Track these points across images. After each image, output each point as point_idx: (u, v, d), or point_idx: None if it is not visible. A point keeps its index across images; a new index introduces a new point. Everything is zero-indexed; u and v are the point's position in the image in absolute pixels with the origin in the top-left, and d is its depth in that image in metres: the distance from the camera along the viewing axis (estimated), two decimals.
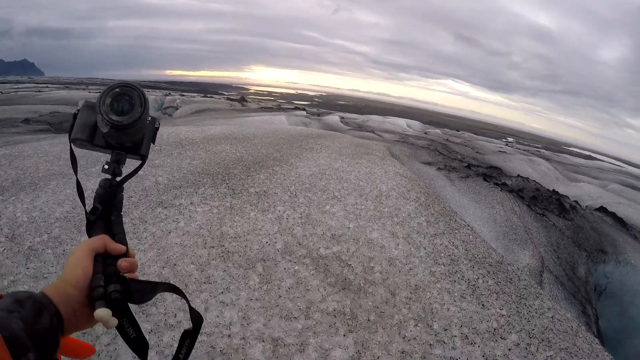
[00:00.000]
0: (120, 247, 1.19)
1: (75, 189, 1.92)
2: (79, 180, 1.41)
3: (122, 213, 1.34)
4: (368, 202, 7.75)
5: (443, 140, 36.65)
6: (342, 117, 45.11)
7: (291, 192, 7.73)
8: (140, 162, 1.36)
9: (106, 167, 1.29)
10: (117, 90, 1.19)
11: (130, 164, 1.34)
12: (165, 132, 12.31)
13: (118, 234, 1.26)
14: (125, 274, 1.15)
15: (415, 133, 41.24)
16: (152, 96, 42.87)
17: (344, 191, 8.18)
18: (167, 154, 9.60)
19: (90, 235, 1.23)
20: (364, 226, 6.68)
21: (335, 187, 8.39)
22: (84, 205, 1.27)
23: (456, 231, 7.30)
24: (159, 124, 1.42)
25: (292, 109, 51.63)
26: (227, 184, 7.86)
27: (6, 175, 7.37)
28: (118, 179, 1.32)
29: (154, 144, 1.39)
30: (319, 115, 46.07)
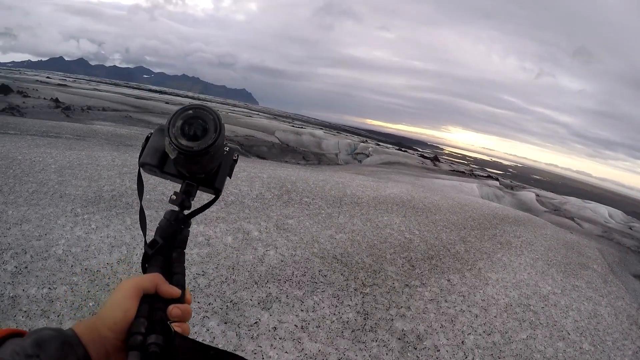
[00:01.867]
0: (174, 291, 0.95)
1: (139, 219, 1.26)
2: (143, 207, 1.19)
3: (185, 251, 1.09)
4: None
5: None
6: (538, 195, 39.35)
7: (465, 353, 4.14)
8: (214, 196, 1.18)
9: (174, 197, 1.09)
10: (190, 112, 0.99)
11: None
12: (333, 180, 9.86)
13: (177, 274, 1.01)
14: (175, 324, 0.92)
15: (618, 226, 33.94)
16: (347, 140, 41.83)
17: None
18: (314, 213, 6.89)
19: (145, 271, 1.01)
20: None
21: (545, 349, 4.60)
22: (145, 235, 1.11)
23: None
24: (238, 156, 1.20)
25: (485, 177, 47.10)
26: (362, 294, 4.62)
27: (118, 183, 6.35)
28: (186, 212, 1.12)
29: (230, 177, 1.18)
30: (512, 188, 40.94)
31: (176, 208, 1.10)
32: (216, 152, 1.02)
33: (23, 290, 3.71)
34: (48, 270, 3.92)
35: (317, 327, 3.88)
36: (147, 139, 1.12)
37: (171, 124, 0.97)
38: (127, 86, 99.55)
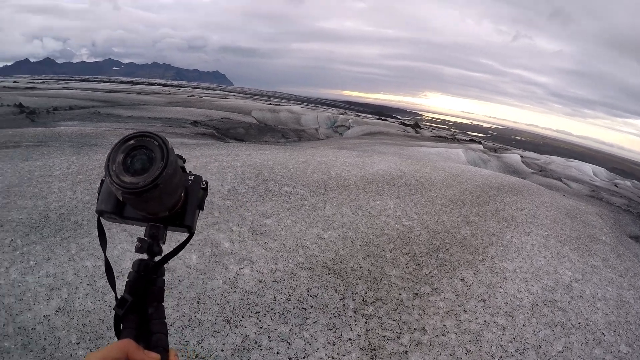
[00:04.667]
0: (150, 358, 0.82)
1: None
2: (108, 260, 1.05)
3: (163, 304, 0.98)
4: None
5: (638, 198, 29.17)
6: (522, 157, 39.17)
7: None
8: (188, 235, 1.02)
9: (139, 244, 0.95)
10: (132, 142, 0.86)
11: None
12: (315, 161, 8.90)
13: (156, 334, 0.91)
14: None
15: (604, 184, 33.94)
16: (326, 113, 40.79)
17: None
18: (296, 205, 5.97)
19: (118, 335, 0.90)
20: None
21: None
22: (115, 292, 0.99)
23: None
24: (207, 183, 1.04)
25: (467, 140, 46.78)
26: (364, 317, 3.72)
27: (69, 197, 5.30)
28: (157, 258, 0.98)
29: (201, 209, 1.02)
30: (496, 151, 40.61)
31: (145, 256, 0.96)
32: (168, 184, 0.84)
33: None
34: None
35: None
36: (102, 182, 0.96)
37: (111, 160, 0.84)
38: (96, 81, 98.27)
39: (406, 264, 4.82)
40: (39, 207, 5.11)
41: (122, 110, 27.20)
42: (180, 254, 3.84)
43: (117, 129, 15.66)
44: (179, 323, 3.35)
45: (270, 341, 3.29)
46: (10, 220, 4.71)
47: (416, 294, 4.24)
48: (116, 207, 0.94)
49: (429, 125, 79.44)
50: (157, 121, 23.38)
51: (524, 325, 4.08)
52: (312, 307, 3.74)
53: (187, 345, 3.12)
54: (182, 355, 3.02)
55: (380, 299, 4.03)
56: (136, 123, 21.25)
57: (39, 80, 77.43)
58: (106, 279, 1.01)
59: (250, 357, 3.10)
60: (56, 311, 3.36)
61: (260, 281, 4.00)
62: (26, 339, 3.09)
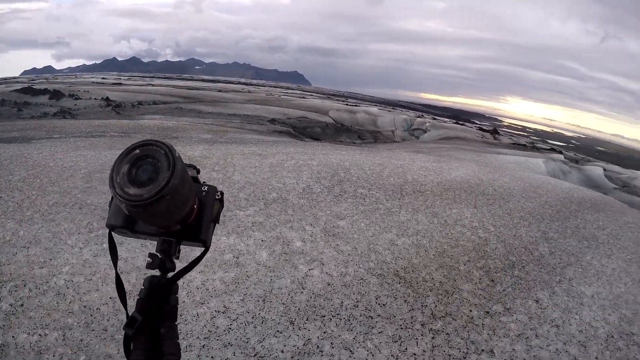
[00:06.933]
0: None
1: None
2: (120, 276, 1.00)
3: (177, 323, 0.94)
4: None
5: None
6: (605, 170, 36.55)
7: None
8: (203, 250, 0.98)
9: (150, 260, 0.92)
10: (137, 152, 0.83)
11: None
12: (391, 164, 8.84)
13: (169, 355, 0.87)
14: None
15: None
16: (403, 116, 40.40)
17: None
18: (371, 209, 5.89)
19: (128, 356, 0.88)
20: None
21: None
22: (126, 309, 0.93)
23: None
24: (222, 194, 0.99)
25: (548, 149, 44.35)
26: (432, 332, 3.55)
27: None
28: (171, 274, 0.94)
29: (217, 223, 0.98)
30: (577, 162, 38.15)
31: (157, 272, 0.92)
32: (176, 195, 0.79)
33: (13, 337, 3.04)
34: (44, 308, 3.21)
35: None
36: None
37: (115, 171, 0.81)
38: (179, 78, 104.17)
39: (480, 279, 4.58)
40: None
41: (203, 106, 28.70)
42: (250, 248, 3.84)
43: (198, 124, 16.43)
44: (242, 319, 3.36)
45: (333, 347, 3.21)
46: (90, 203, 5.00)
47: (487, 312, 4.01)
48: (127, 221, 0.91)
49: (508, 132, 76.55)
50: (236, 118, 24.53)
51: (596, 358, 3.74)
52: (379, 316, 3.63)
53: (247, 342, 3.11)
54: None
55: (450, 314, 3.85)
56: (216, 119, 22.36)
57: (125, 77, 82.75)
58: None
59: None
60: None
61: (329, 284, 3.95)
62: (90, 318, 3.21)
